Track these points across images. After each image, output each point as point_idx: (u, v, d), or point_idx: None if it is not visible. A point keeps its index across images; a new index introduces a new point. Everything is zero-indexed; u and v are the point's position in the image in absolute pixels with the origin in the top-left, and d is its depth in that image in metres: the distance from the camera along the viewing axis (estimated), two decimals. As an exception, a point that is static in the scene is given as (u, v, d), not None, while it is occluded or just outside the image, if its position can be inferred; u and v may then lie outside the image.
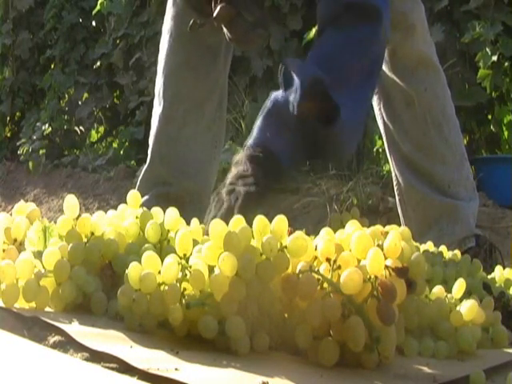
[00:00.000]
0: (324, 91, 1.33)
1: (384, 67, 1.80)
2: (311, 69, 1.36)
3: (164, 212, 1.11)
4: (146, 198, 1.76)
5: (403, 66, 1.80)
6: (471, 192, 1.87)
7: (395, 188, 1.90)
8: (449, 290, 1.07)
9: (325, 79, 1.33)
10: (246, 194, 1.27)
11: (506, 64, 3.07)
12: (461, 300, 1.04)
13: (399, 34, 1.75)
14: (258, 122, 1.37)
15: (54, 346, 0.85)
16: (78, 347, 0.82)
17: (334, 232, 0.93)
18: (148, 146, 1.87)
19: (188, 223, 1.10)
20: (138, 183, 1.85)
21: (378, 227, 0.95)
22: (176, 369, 0.76)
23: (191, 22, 1.61)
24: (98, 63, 4.71)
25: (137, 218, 1.11)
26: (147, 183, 1.82)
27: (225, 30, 1.52)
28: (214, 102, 1.84)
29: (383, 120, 1.86)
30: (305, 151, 1.35)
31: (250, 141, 1.36)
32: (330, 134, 1.34)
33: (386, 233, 0.91)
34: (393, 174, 1.90)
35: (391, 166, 1.90)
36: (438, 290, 1.05)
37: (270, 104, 1.37)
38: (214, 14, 1.48)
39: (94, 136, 5.04)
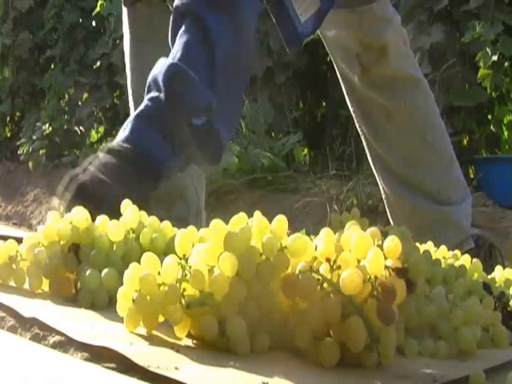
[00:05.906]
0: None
1: (359, 84, 1.80)
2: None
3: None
4: None
5: (379, 84, 1.79)
6: (463, 192, 1.86)
7: (384, 201, 1.89)
8: (449, 290, 1.07)
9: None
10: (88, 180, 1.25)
11: (506, 64, 3.08)
12: (461, 300, 1.04)
13: (372, 55, 1.75)
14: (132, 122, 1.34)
15: (54, 345, 0.85)
16: (78, 347, 0.82)
17: (334, 232, 0.93)
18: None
19: (178, 219, 1.10)
20: None
21: (378, 227, 0.94)
22: (176, 368, 0.76)
23: None
24: (98, 63, 4.71)
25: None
26: None
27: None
28: None
29: (365, 136, 1.85)
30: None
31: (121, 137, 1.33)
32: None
33: (386, 233, 0.91)
34: (381, 188, 1.89)
35: (378, 181, 1.89)
36: (438, 289, 1.05)
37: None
38: None
39: (94, 136, 5.04)
